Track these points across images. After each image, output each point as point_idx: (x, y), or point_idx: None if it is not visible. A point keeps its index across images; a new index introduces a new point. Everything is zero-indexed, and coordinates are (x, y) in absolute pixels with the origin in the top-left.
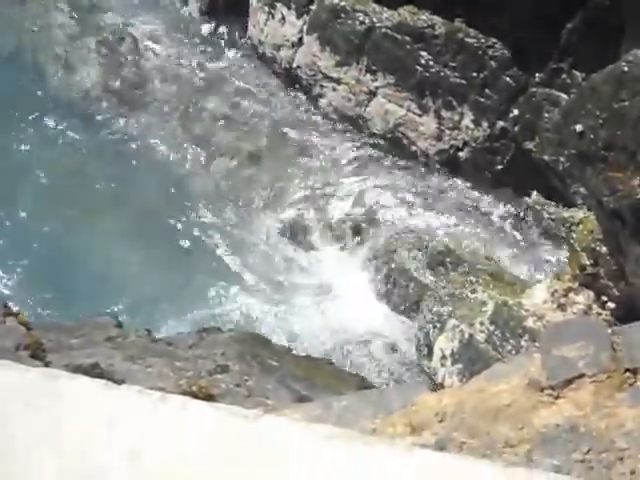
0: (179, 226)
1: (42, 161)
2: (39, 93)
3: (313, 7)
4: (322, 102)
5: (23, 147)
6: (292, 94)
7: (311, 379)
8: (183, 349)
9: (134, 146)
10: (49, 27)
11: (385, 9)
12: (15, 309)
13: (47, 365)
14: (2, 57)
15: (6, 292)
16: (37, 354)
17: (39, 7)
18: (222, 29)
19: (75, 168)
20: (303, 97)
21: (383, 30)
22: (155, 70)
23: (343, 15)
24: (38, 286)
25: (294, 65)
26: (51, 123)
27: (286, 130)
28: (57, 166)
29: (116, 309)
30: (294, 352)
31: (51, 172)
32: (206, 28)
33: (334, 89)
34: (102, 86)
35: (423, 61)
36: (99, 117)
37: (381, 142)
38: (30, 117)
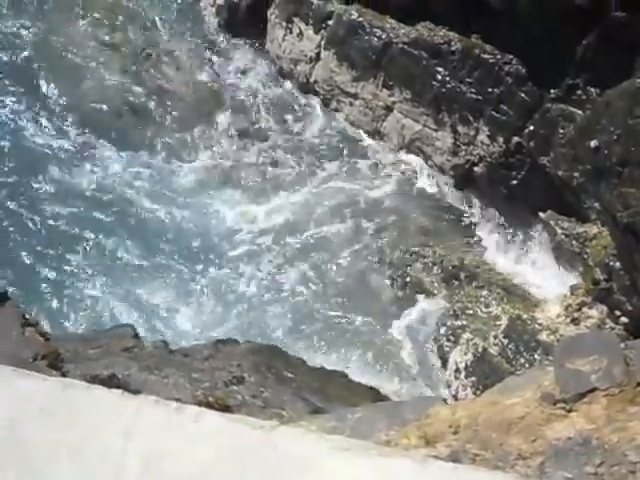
0: (188, 232)
1: (62, 175)
2: (56, 106)
3: (331, 22)
4: (339, 117)
5: (44, 168)
6: (309, 108)
7: (326, 391)
8: (199, 360)
9: (152, 160)
10: (69, 38)
11: (402, 25)
12: (33, 320)
13: (64, 375)
14: (20, 68)
15: (24, 303)
16: (55, 364)
17: (60, 20)
18: (240, 43)
19: (93, 183)
20: (320, 112)
21: (400, 46)
22: (173, 84)
23: (360, 31)
24: (55, 297)
25: (311, 80)
26: (71, 137)
27: (302, 144)
28: (76, 178)
29: (133, 320)
30: (309, 364)
31: (73, 183)
32: (225, 42)
33: (351, 104)
34: (120, 99)
35: (439, 76)
36: (114, 127)
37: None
38: (48, 131)
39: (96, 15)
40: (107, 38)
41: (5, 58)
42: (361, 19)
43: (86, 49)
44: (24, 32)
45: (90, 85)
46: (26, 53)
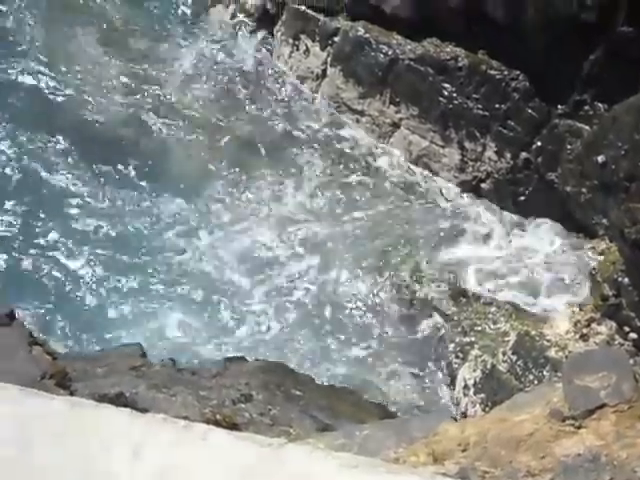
0: (202, 254)
1: (65, 187)
2: (63, 118)
3: (337, 39)
4: (346, 133)
5: (50, 173)
6: (316, 124)
7: (334, 408)
8: (207, 378)
9: (159, 168)
10: (75, 52)
11: (408, 41)
12: (41, 339)
13: (72, 394)
14: (27, 78)
15: (31, 322)
16: (63, 383)
17: (64, 32)
18: (247, 51)
19: (99, 194)
20: (326, 123)
21: (406, 62)
22: (179, 92)
23: (367, 47)
24: (62, 316)
25: (318, 96)
26: (75, 145)
27: (309, 157)
28: (82, 192)
29: (140, 338)
30: (317, 381)
31: (75, 197)
32: (231, 50)
33: (357, 121)
34: (126, 107)
35: (446, 93)
36: (122, 138)
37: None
38: (54, 143)
39: (99, 29)
40: (109, 54)
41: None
42: (367, 35)
43: (89, 59)
44: (26, 43)
45: (91, 100)
46: (27, 64)
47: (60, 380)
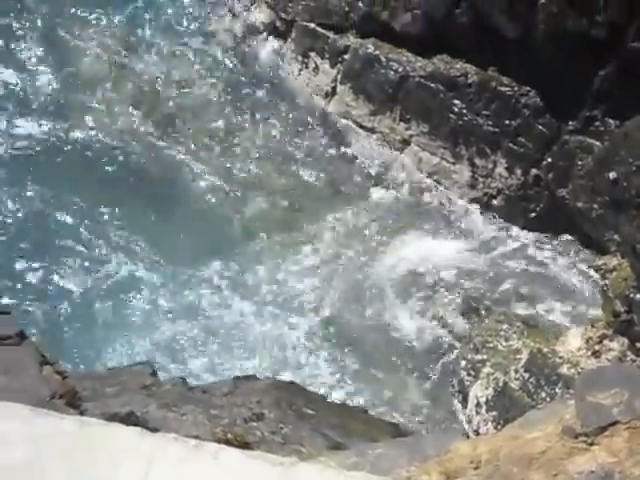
0: (213, 268)
1: (78, 205)
2: (71, 132)
3: (347, 56)
4: (356, 150)
5: (59, 189)
6: (326, 140)
7: (346, 427)
8: (218, 397)
9: (169, 184)
10: (82, 70)
11: (418, 58)
12: (51, 358)
13: (82, 413)
14: (35, 98)
15: (41, 341)
16: (73, 402)
17: (70, 50)
18: (257, 71)
19: (105, 207)
20: (337, 138)
21: (417, 79)
22: (189, 108)
23: (377, 64)
24: (73, 335)
25: (328, 113)
26: (85, 163)
27: (320, 171)
28: (92, 208)
29: (151, 357)
30: (329, 400)
31: (87, 215)
32: (240, 66)
33: (368, 137)
34: (136, 125)
35: (456, 109)
36: (132, 156)
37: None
38: (64, 158)
39: (106, 44)
40: (118, 64)
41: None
42: (377, 53)
43: (96, 77)
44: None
45: (99, 119)
46: (34, 84)
47: (70, 399)
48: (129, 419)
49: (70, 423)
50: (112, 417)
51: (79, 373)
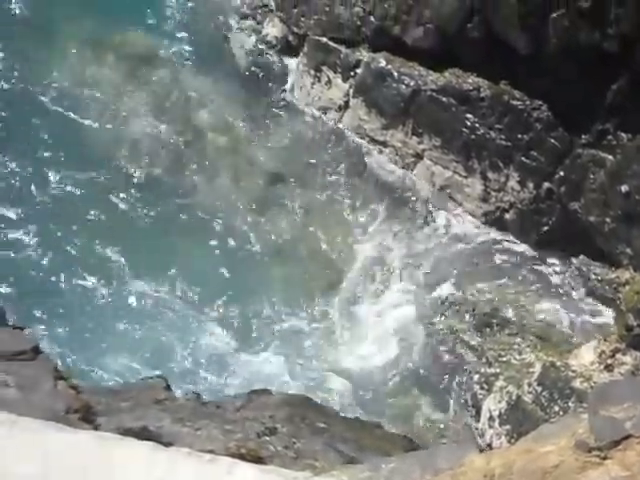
0: (228, 284)
1: (92, 217)
2: (87, 149)
3: (359, 71)
4: (369, 164)
5: (72, 204)
6: (339, 154)
7: (359, 441)
8: (232, 411)
9: (186, 200)
10: (96, 82)
11: (430, 72)
12: (66, 373)
13: (97, 428)
14: (49, 111)
15: (56, 356)
16: (87, 417)
17: (84, 62)
18: (269, 85)
19: (123, 224)
20: (348, 153)
21: (428, 93)
22: (202, 121)
23: (389, 78)
24: (87, 350)
25: (341, 127)
26: (99, 178)
27: (333, 185)
28: (105, 222)
29: (165, 371)
30: (342, 414)
31: (100, 229)
32: (253, 80)
33: (380, 151)
34: (149, 139)
35: (469, 123)
36: (146, 169)
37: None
38: (78, 173)
39: (117, 55)
40: (133, 78)
41: (31, 101)
42: (389, 67)
43: (112, 94)
44: (51, 77)
45: (118, 133)
46: (48, 97)
47: (84, 414)
48: (143, 434)
49: (84, 438)
50: (126, 432)
51: (93, 388)
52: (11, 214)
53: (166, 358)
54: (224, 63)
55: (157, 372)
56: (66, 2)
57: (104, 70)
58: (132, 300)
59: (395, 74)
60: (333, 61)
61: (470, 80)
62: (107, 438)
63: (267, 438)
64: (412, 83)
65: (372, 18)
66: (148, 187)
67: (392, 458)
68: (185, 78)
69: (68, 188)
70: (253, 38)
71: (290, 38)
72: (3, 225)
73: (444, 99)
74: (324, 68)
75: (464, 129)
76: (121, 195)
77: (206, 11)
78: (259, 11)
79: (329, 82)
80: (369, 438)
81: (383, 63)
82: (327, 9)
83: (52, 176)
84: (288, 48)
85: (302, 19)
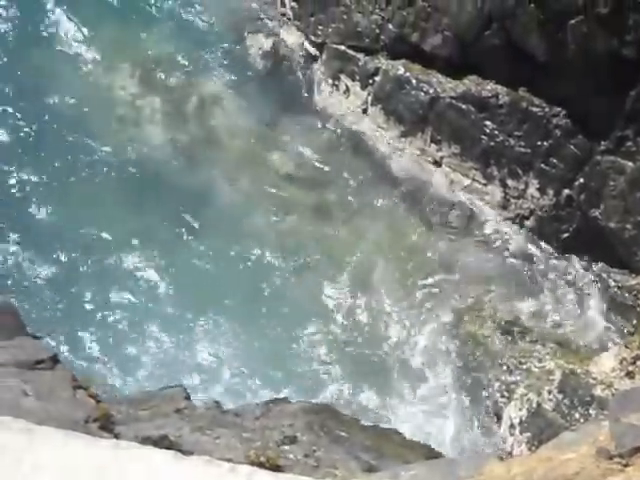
0: (245, 289)
1: (110, 223)
2: (103, 153)
3: (377, 78)
4: (387, 169)
5: (90, 211)
6: (356, 156)
7: (379, 449)
8: (251, 420)
9: (202, 203)
10: (112, 87)
11: (449, 79)
12: (85, 382)
13: (116, 437)
14: (66, 117)
15: (75, 365)
16: (106, 426)
17: (99, 67)
18: (287, 92)
19: (141, 229)
20: (367, 160)
21: (447, 100)
22: (220, 127)
23: (407, 86)
24: (105, 359)
25: (360, 131)
26: (115, 183)
27: (350, 186)
28: (124, 229)
29: (184, 379)
30: (362, 422)
31: (119, 235)
32: (271, 87)
33: (400, 157)
34: (167, 144)
35: (488, 130)
36: (164, 175)
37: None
38: (95, 177)
39: (134, 59)
40: (149, 81)
41: (47, 108)
42: (408, 74)
43: (127, 95)
44: (68, 81)
45: (130, 132)
46: (65, 102)
47: (104, 423)
48: (163, 442)
49: (105, 447)
50: (145, 440)
51: (113, 397)
52: (30, 221)
53: (186, 367)
54: (241, 70)
55: (177, 381)
56: (80, 8)
57: (120, 75)
58: (152, 307)
59: (413, 81)
60: (351, 69)
61: (489, 87)
62: (126, 447)
63: (287, 447)
64: (431, 90)
65: (390, 26)
66: (165, 191)
67: (412, 466)
68: (201, 84)
69: (85, 195)
70: (270, 46)
71: (307, 46)
72: (23, 234)
73: (463, 106)
74: (342, 76)
75: (483, 136)
76: (138, 201)
77: (224, 18)
78: (276, 19)
79: (347, 90)
80: (389, 446)
81: (401, 71)
82: (345, 17)
83: (67, 182)
84: (306, 56)
85: (320, 27)
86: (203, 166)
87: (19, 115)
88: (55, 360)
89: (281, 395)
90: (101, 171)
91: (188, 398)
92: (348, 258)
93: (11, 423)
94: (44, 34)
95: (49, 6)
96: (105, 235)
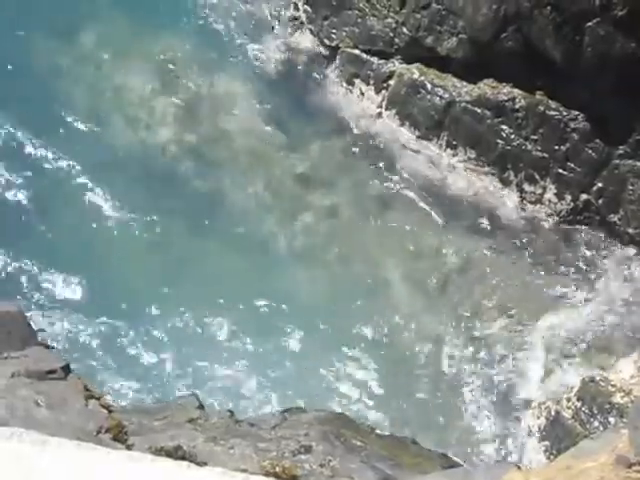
0: (259, 293)
1: (121, 224)
2: (115, 154)
3: (392, 82)
4: (402, 171)
5: (103, 208)
6: (371, 159)
7: (396, 458)
8: (266, 430)
9: (213, 207)
10: (124, 88)
11: (464, 83)
12: (97, 392)
13: (129, 448)
14: (78, 119)
15: (87, 375)
16: (119, 437)
17: (113, 69)
18: (300, 92)
19: (152, 234)
20: (381, 163)
21: (463, 104)
22: (234, 129)
23: (422, 90)
24: (118, 369)
25: (374, 135)
26: (126, 185)
27: (365, 189)
28: (137, 233)
29: (198, 388)
30: (378, 431)
31: (132, 238)
32: (284, 90)
33: (415, 159)
34: (179, 145)
35: (504, 135)
36: (177, 178)
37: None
38: (106, 178)
39: (148, 60)
40: (161, 83)
41: (59, 110)
42: (422, 78)
43: (138, 95)
44: (77, 80)
45: (142, 133)
46: (76, 102)
47: (117, 434)
48: (176, 453)
49: (117, 458)
50: (159, 451)
51: (125, 407)
52: (37, 225)
53: (199, 376)
54: (254, 73)
55: (190, 390)
56: (92, 7)
57: (132, 76)
58: (164, 316)
59: (429, 86)
60: (365, 73)
61: (505, 91)
62: (139, 458)
63: (302, 456)
64: (446, 95)
65: (405, 29)
66: (176, 192)
67: (429, 476)
68: (215, 86)
69: (97, 199)
70: (283, 48)
71: (321, 49)
72: (31, 239)
73: (478, 110)
74: (357, 81)
75: (499, 140)
76: (149, 202)
77: (237, 21)
78: (290, 23)
79: (361, 94)
80: (405, 455)
81: (416, 74)
82: (359, 21)
83: (78, 185)
84: (319, 59)
85: (333, 31)
86: (215, 167)
87: (27, 115)
88: (67, 370)
89: (296, 404)
90: (110, 173)
91: (202, 407)
92: (363, 260)
93: (23, 434)
94: (55, 33)
95: (62, 5)
96: (114, 237)
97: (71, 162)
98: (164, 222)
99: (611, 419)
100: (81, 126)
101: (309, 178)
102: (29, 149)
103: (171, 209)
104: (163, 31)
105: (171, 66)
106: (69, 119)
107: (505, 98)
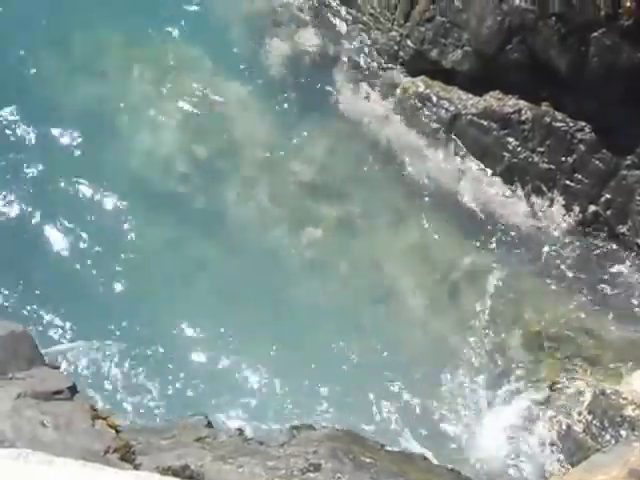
0: (267, 306)
1: (124, 236)
2: (118, 164)
3: (397, 94)
4: (412, 179)
5: (106, 221)
6: (379, 163)
7: (406, 475)
8: (275, 447)
9: (221, 216)
10: (128, 93)
11: (470, 95)
12: (104, 412)
13: (137, 468)
14: (80, 125)
15: (93, 395)
16: (126, 457)
17: (113, 73)
18: (307, 95)
19: (157, 245)
20: (391, 169)
21: (469, 117)
22: (239, 132)
23: (428, 103)
24: (126, 388)
25: (382, 136)
26: (130, 197)
27: (374, 196)
28: (141, 245)
29: (206, 407)
30: (388, 447)
31: (137, 252)
32: (290, 92)
33: (424, 162)
34: (183, 150)
35: (510, 147)
36: (182, 185)
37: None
38: (110, 189)
39: (153, 66)
40: (167, 88)
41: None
42: (428, 91)
43: (142, 101)
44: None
45: (147, 140)
46: (78, 108)
47: (124, 454)
48: (184, 472)
49: (124, 478)
50: (167, 470)
51: (133, 426)
52: (43, 236)
53: (207, 393)
54: (260, 75)
55: (198, 409)
56: (97, 10)
57: (135, 80)
58: (171, 332)
59: (434, 99)
60: (371, 81)
61: (511, 102)
62: (147, 478)
63: (311, 474)
64: (452, 108)
65: (409, 42)
66: (182, 202)
67: None
68: (219, 88)
69: (99, 207)
70: (289, 50)
71: (330, 50)
72: (37, 249)
73: (485, 123)
74: (363, 85)
75: (506, 153)
76: (153, 211)
77: (242, 23)
78: (295, 25)
79: (368, 97)
80: (416, 471)
81: (422, 87)
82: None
83: (81, 197)
84: (327, 60)
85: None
86: (221, 173)
87: (29, 120)
88: (73, 390)
89: (307, 418)
90: (113, 180)
91: (210, 426)
92: (374, 270)
93: (29, 455)
94: (54, 36)
95: (64, 7)
96: (118, 252)
97: (74, 174)
98: (166, 232)
99: (623, 432)
100: (80, 131)
101: (317, 185)
102: (30, 159)
103: (173, 217)
104: (164, 33)
105: (173, 69)
106: (70, 129)
107: (511, 110)
